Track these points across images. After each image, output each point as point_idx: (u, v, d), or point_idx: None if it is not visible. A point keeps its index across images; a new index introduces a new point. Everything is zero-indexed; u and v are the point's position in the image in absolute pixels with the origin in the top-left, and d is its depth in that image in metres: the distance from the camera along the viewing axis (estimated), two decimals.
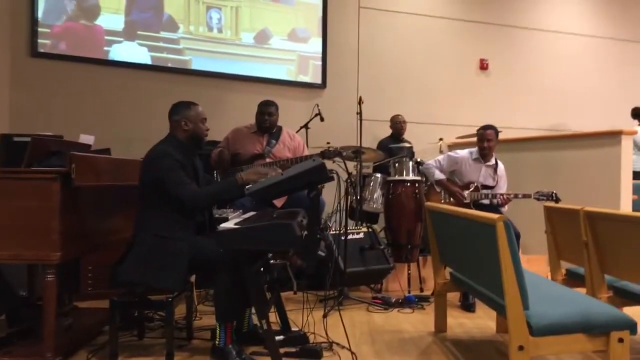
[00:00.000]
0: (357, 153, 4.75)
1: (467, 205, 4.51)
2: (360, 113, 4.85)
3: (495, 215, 2.33)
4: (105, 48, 5.72)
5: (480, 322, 3.85)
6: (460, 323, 3.81)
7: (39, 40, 5.44)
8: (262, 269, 3.06)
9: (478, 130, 4.65)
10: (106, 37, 5.72)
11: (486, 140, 4.56)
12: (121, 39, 5.76)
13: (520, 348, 2.25)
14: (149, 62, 5.88)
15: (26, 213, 2.58)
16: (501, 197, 4.56)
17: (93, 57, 5.66)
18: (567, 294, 2.63)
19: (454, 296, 4.24)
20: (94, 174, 2.98)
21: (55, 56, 5.52)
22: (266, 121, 4.49)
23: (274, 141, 4.52)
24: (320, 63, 6.57)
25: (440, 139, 6.08)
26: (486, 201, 4.62)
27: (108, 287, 4.05)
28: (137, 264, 2.89)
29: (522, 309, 2.28)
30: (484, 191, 4.61)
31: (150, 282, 2.88)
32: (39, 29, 5.44)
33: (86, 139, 3.39)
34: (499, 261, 2.29)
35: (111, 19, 5.73)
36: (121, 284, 2.97)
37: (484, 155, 4.62)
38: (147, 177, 2.99)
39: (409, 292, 4.52)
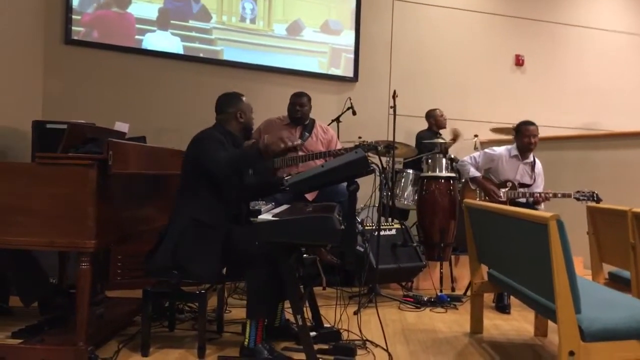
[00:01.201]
0: (389, 148, 4.65)
1: (503, 204, 4.38)
2: (394, 107, 4.75)
3: (547, 214, 2.23)
4: (138, 37, 5.69)
5: (516, 324, 3.74)
6: (496, 325, 3.70)
7: (73, 28, 5.42)
8: (296, 263, 2.99)
9: (520, 126, 4.49)
10: (139, 26, 5.70)
11: (532, 136, 4.42)
12: (154, 28, 5.73)
13: (571, 353, 2.15)
14: (181, 51, 5.84)
15: (62, 199, 2.53)
16: (539, 195, 4.43)
17: (125, 46, 5.63)
18: (620, 299, 2.51)
19: (487, 297, 4.13)
20: (130, 162, 2.93)
21: (88, 44, 5.51)
22: (298, 112, 4.43)
23: (307, 134, 4.45)
24: (352, 56, 6.47)
25: (475, 136, 5.94)
26: (523, 200, 4.50)
27: (138, 277, 4.04)
28: (171, 250, 2.84)
29: (574, 313, 2.17)
30: (521, 189, 4.49)
31: (183, 268, 2.82)
32: (73, 16, 5.43)
33: (121, 126, 3.35)
34: (551, 262, 2.19)
35: (145, 8, 5.70)
36: (155, 272, 2.92)
37: (527, 151, 4.48)
38: (189, 158, 2.97)
39: (441, 291, 4.42)
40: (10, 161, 4.45)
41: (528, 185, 4.50)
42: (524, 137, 4.44)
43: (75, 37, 5.45)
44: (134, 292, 3.67)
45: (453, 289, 4.65)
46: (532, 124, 4.45)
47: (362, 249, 3.98)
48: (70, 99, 5.35)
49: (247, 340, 2.74)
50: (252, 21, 6.11)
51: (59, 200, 2.54)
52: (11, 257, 2.88)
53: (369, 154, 4.24)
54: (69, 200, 2.53)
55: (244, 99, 3.17)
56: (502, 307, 4.05)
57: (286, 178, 2.76)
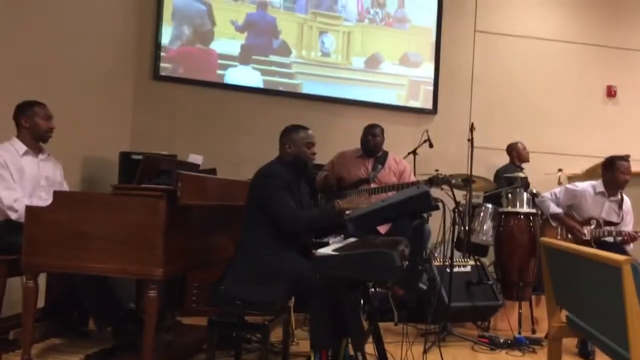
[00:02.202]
0: (466, 181, 4.53)
1: (587, 243, 4.14)
2: (471, 140, 4.64)
3: (621, 257, 2.07)
4: (220, 72, 5.93)
5: None
6: None
7: (161, 64, 5.74)
8: (360, 297, 2.94)
9: (614, 161, 4.20)
10: (222, 61, 5.93)
11: (627, 173, 4.15)
12: (236, 63, 5.95)
13: None
14: (261, 85, 6.02)
15: (133, 228, 2.65)
16: (627, 234, 4.14)
17: (208, 81, 5.88)
18: None
19: (570, 342, 3.88)
20: (199, 193, 3.03)
21: (174, 79, 5.80)
22: (370, 142, 4.42)
23: (379, 166, 4.43)
24: (431, 88, 6.40)
25: (560, 170, 5.68)
26: (610, 239, 4.22)
27: (208, 304, 4.13)
28: (234, 279, 2.89)
29: None
30: (607, 228, 4.21)
31: (246, 297, 2.85)
32: (162, 54, 5.75)
33: (195, 158, 3.48)
34: (624, 309, 2.02)
35: (227, 44, 5.94)
36: (220, 302, 2.97)
37: (619, 188, 4.21)
38: (253, 194, 3.01)
39: (520, 333, 4.19)
40: (94, 191, 4.73)
41: (615, 224, 4.22)
42: (618, 173, 4.16)
43: (163, 73, 5.75)
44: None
45: (534, 331, 4.40)
46: (627, 159, 4.18)
47: (424, 287, 3.86)
48: (156, 131, 5.63)
49: None
50: (331, 55, 6.21)
51: (131, 229, 2.66)
52: (87, 282, 3.03)
53: (443, 187, 4.16)
54: (139, 229, 2.65)
55: (300, 131, 3.13)
56: (586, 353, 3.78)
57: (347, 213, 2.74)
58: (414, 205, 2.53)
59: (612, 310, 2.21)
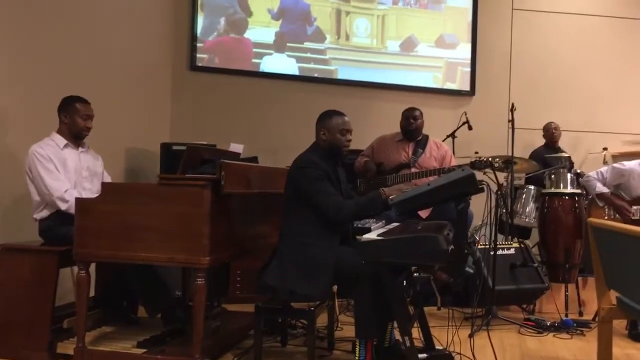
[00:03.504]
0: (508, 163, 4.45)
1: (636, 222, 4.03)
2: (512, 121, 4.55)
3: None
4: (255, 60, 5.95)
5: None
6: (629, 354, 3.40)
7: (197, 55, 5.79)
8: (405, 282, 2.93)
9: None
10: (256, 50, 5.95)
11: None
12: (271, 51, 5.96)
13: None
14: (296, 72, 6.02)
15: (179, 218, 2.70)
16: None
17: (244, 70, 5.92)
18: None
19: (619, 323, 3.80)
20: (242, 182, 3.06)
21: (211, 69, 5.85)
22: (412, 124, 4.37)
23: (420, 150, 4.38)
24: (469, 69, 6.28)
25: (604, 149, 5.53)
26: None
27: (254, 292, 4.18)
28: (280, 270, 2.91)
29: None
30: None
31: (292, 288, 2.88)
32: (198, 44, 5.80)
33: (236, 147, 3.50)
34: None
35: (262, 32, 5.95)
36: (266, 290, 3.01)
37: None
38: (292, 185, 3.00)
39: (567, 316, 4.12)
40: (134, 182, 4.82)
41: None
42: None
43: (200, 64, 5.80)
44: (252, 306, 3.78)
45: (580, 314, 4.33)
46: None
47: (471, 270, 3.83)
48: (195, 121, 5.70)
49: (357, 357, 2.71)
50: (365, 39, 6.16)
51: (177, 218, 2.70)
52: (136, 271, 3.10)
53: (485, 170, 4.10)
54: (185, 218, 2.69)
55: (335, 117, 3.09)
56: (636, 335, 3.70)
57: (391, 197, 2.72)
58: (459, 189, 2.50)
59: None
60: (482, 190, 2.61)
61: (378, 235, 2.56)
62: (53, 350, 2.99)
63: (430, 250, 2.38)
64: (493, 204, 4.05)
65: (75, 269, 3.28)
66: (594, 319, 4.07)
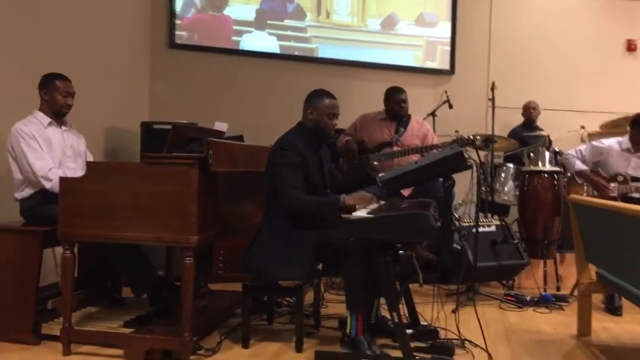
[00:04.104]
0: (488, 142, 4.50)
1: (613, 199, 4.12)
2: (493, 99, 4.58)
3: None
4: (235, 38, 5.89)
5: (628, 327, 3.51)
6: (606, 327, 3.49)
7: (176, 32, 5.70)
8: (391, 259, 2.96)
9: (639, 120, 4.15)
10: (236, 27, 5.89)
11: None
12: (252, 29, 5.90)
13: None
14: (277, 51, 5.98)
15: (166, 197, 2.67)
16: None
17: (225, 47, 5.85)
18: None
19: (596, 297, 3.90)
20: (229, 160, 3.04)
21: (190, 47, 5.77)
22: (402, 108, 4.37)
23: (402, 129, 4.39)
24: (448, 48, 6.30)
25: (582, 127, 5.62)
26: (636, 195, 4.20)
27: (239, 271, 4.17)
28: (262, 253, 2.94)
29: None
30: (634, 184, 4.19)
31: (274, 272, 2.92)
32: (177, 22, 5.70)
33: (220, 126, 3.47)
34: None
35: (242, 10, 5.88)
36: (250, 271, 3.02)
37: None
38: (270, 165, 3.01)
39: (545, 291, 4.21)
40: (120, 161, 4.75)
41: None
42: None
43: (179, 41, 5.72)
44: (236, 285, 3.79)
45: (558, 289, 4.43)
46: None
47: (458, 247, 3.88)
48: (174, 100, 5.63)
49: (348, 330, 2.75)
50: (346, 18, 6.12)
51: (164, 197, 2.67)
52: (122, 251, 3.07)
53: (466, 148, 4.13)
54: (173, 197, 2.66)
55: (325, 99, 3.08)
56: (613, 309, 3.80)
57: (380, 175, 2.74)
58: (447, 166, 2.52)
59: None
60: (470, 167, 2.64)
61: (368, 213, 2.57)
62: (38, 331, 2.96)
63: (420, 227, 2.41)
64: (475, 182, 4.12)
65: (57, 249, 3.26)
66: (571, 294, 4.18)
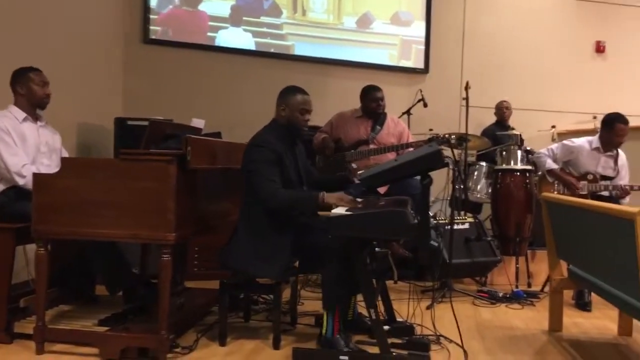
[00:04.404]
0: (462, 140, 4.56)
1: (584, 197, 4.21)
2: (467, 99, 4.65)
3: (634, 209, 2.12)
4: (211, 34, 5.85)
5: (598, 322, 3.60)
6: (576, 323, 3.58)
7: (150, 27, 5.63)
8: (368, 257, 2.99)
9: (613, 123, 4.20)
10: (212, 23, 5.85)
11: (623, 136, 4.19)
12: (227, 25, 5.86)
13: None
14: (253, 47, 5.96)
15: (144, 194, 2.64)
16: (623, 188, 4.22)
17: (199, 43, 5.81)
18: None
19: (566, 293, 3.99)
20: (207, 157, 3.02)
21: (164, 42, 5.71)
22: (379, 107, 4.40)
23: (378, 127, 4.43)
24: (423, 47, 6.36)
25: (553, 127, 5.73)
26: (606, 193, 4.31)
27: (215, 268, 4.16)
28: (238, 250, 2.94)
29: None
30: (603, 182, 4.30)
31: (250, 271, 2.93)
32: (151, 16, 5.63)
33: (198, 122, 3.44)
34: (637, 259, 2.09)
35: (217, 5, 5.85)
36: (227, 268, 3.01)
37: (613, 147, 4.28)
38: (245, 162, 3.00)
39: (517, 287, 4.30)
40: (94, 157, 4.68)
41: (611, 178, 4.31)
42: (615, 135, 4.19)
43: (153, 37, 5.65)
44: (211, 282, 3.78)
45: (529, 285, 4.51)
46: (625, 122, 4.18)
47: (436, 244, 3.93)
48: (149, 95, 5.56)
49: (324, 330, 2.76)
50: (322, 15, 6.13)
51: (141, 194, 2.64)
52: (97, 249, 3.03)
53: (441, 146, 4.18)
54: (150, 194, 2.63)
55: (298, 95, 3.07)
56: (583, 305, 3.90)
57: (359, 173, 2.75)
58: (425, 164, 2.55)
59: (622, 262, 2.28)
60: (447, 165, 2.67)
61: (346, 211, 2.59)
62: (10, 330, 2.90)
63: (398, 225, 2.43)
64: (450, 180, 4.17)
65: (29, 246, 3.20)
66: (542, 290, 4.27)
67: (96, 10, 5.06)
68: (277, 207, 2.90)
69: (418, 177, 2.68)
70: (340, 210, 2.60)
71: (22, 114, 3.15)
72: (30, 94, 3.16)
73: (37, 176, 2.75)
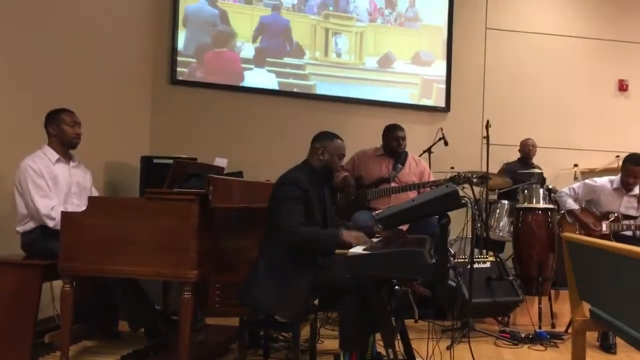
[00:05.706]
0: (483, 179, 4.57)
1: (606, 237, 4.18)
2: (487, 137, 4.67)
3: None
4: (237, 75, 6.00)
5: None
6: None
7: (178, 69, 5.82)
8: (387, 295, 3.00)
9: (624, 163, 4.24)
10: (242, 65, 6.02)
11: (633, 177, 4.18)
12: (252, 66, 6.02)
13: None
14: (276, 87, 6.09)
15: (167, 232, 2.71)
16: None
17: (225, 84, 5.96)
18: None
19: (590, 335, 3.92)
20: (228, 196, 3.09)
21: (191, 83, 5.87)
22: (400, 145, 4.45)
23: (399, 165, 4.47)
24: (444, 86, 6.44)
25: (575, 165, 5.71)
26: (629, 233, 4.26)
27: (235, 305, 4.19)
28: (257, 288, 2.93)
29: None
30: (626, 222, 4.26)
31: (268, 311, 2.93)
32: (178, 58, 5.82)
33: (220, 161, 3.53)
34: None
35: (242, 47, 6.02)
36: (247, 304, 3.04)
37: (626, 187, 4.27)
38: (272, 200, 3.03)
39: (540, 328, 4.24)
40: (121, 196, 4.79)
41: (634, 218, 4.27)
42: (624, 175, 4.21)
43: (180, 78, 5.83)
44: (231, 319, 3.80)
45: (553, 326, 4.44)
46: (637, 163, 4.19)
47: (453, 284, 3.92)
48: (175, 135, 5.70)
49: None
50: (344, 55, 6.26)
51: (164, 232, 2.72)
52: (120, 285, 3.10)
53: (463, 185, 4.21)
54: (173, 232, 2.71)
55: (336, 140, 3.14)
56: (608, 347, 3.83)
57: (376, 213, 2.79)
58: (443, 204, 2.57)
59: None
60: (464, 205, 2.70)
61: (364, 250, 2.62)
62: None
63: (415, 265, 2.45)
64: (469, 218, 4.17)
65: (54, 283, 3.28)
66: (566, 331, 4.20)
67: (126, 52, 5.25)
68: (298, 242, 2.90)
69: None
70: (357, 249, 2.63)
71: (55, 155, 3.26)
72: (62, 134, 3.28)
73: (65, 214, 2.84)
